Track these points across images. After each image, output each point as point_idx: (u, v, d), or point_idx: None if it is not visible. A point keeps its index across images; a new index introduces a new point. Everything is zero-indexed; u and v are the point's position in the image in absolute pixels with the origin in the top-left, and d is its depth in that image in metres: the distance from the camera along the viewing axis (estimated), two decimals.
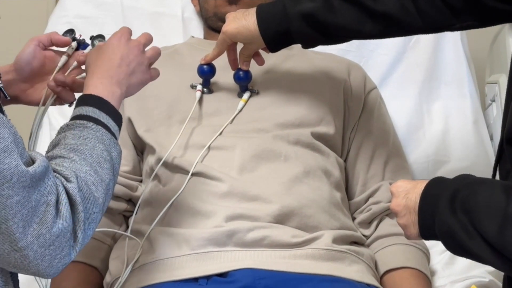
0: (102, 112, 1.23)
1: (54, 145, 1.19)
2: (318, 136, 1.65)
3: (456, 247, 1.18)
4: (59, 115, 1.95)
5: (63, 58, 1.41)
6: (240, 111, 1.65)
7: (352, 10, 1.48)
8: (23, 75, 1.39)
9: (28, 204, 1.05)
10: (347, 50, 1.91)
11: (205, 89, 1.69)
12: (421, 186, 1.21)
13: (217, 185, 1.54)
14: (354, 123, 1.74)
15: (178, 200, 1.54)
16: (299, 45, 1.59)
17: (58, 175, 1.12)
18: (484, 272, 1.64)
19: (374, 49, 1.99)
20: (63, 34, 1.42)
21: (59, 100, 1.41)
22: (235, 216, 1.51)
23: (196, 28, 2.04)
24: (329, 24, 1.50)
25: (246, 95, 1.67)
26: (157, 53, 1.39)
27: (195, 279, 1.45)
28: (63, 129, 1.21)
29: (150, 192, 1.61)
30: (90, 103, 1.23)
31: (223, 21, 1.63)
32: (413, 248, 1.61)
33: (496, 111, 1.92)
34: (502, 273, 1.34)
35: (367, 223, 1.67)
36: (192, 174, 1.56)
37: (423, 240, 1.65)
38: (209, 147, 1.60)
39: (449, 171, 1.88)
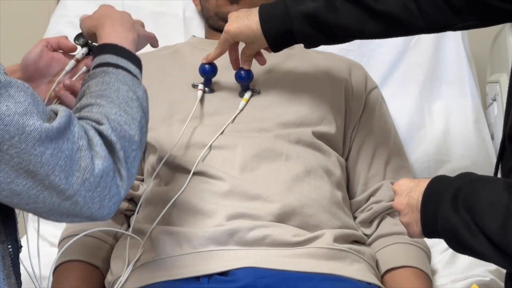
0: (119, 57, 1.26)
1: (80, 97, 1.22)
2: (320, 136, 1.65)
3: (459, 245, 1.18)
4: None
5: (71, 62, 1.41)
6: (241, 110, 1.65)
7: (354, 10, 1.48)
8: (28, 74, 1.40)
9: (61, 155, 1.07)
10: (348, 49, 1.91)
11: (206, 89, 1.69)
12: (423, 184, 1.22)
13: (218, 184, 1.54)
14: (355, 123, 1.74)
15: (180, 199, 1.54)
16: (301, 45, 1.59)
17: (88, 120, 1.15)
18: (485, 271, 1.64)
19: (375, 48, 1.99)
20: (75, 38, 1.42)
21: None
22: (236, 215, 1.51)
23: (197, 28, 2.04)
24: (330, 24, 1.50)
25: (247, 95, 1.67)
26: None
27: (197, 278, 1.45)
28: (86, 80, 1.24)
29: (151, 191, 1.61)
30: (107, 51, 1.26)
31: (224, 21, 1.63)
32: (414, 247, 1.61)
33: (497, 111, 1.92)
34: (504, 272, 1.34)
35: (368, 222, 1.67)
36: (194, 173, 1.56)
37: (424, 239, 1.66)
38: (210, 146, 1.60)
39: (450, 170, 1.88)
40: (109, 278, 1.55)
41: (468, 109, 1.96)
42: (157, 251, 1.50)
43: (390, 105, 1.85)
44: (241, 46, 1.62)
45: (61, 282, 1.56)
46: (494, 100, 1.95)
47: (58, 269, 1.58)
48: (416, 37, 1.99)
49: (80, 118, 1.15)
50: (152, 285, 1.46)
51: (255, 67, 1.66)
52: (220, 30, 1.71)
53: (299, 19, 1.51)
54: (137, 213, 1.61)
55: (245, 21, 1.56)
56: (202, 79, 1.68)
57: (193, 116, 1.62)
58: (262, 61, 1.65)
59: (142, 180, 1.70)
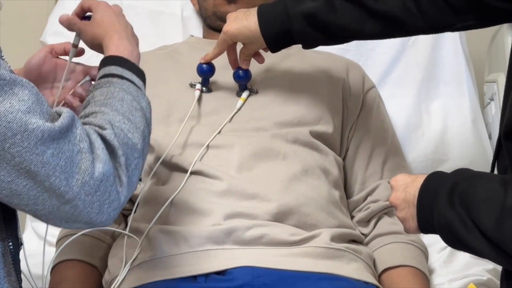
0: (124, 69, 1.26)
1: (84, 106, 1.22)
2: (317, 135, 1.66)
3: (454, 241, 1.18)
4: None
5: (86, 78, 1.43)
6: (239, 110, 1.65)
7: (354, 10, 1.49)
8: (30, 79, 1.39)
9: (62, 155, 1.07)
10: (346, 49, 1.91)
11: (204, 88, 1.69)
12: (420, 180, 1.23)
13: (215, 184, 1.54)
14: (353, 122, 1.74)
15: (177, 198, 1.55)
16: (299, 45, 1.59)
17: (92, 125, 1.15)
18: (482, 270, 1.64)
19: (373, 48, 1.99)
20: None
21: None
22: (234, 215, 1.52)
23: (196, 27, 2.04)
24: (330, 24, 1.51)
25: (245, 94, 1.67)
26: None
27: (194, 277, 1.45)
28: (91, 90, 1.24)
29: (148, 191, 1.61)
30: (112, 63, 1.27)
31: (222, 20, 1.63)
32: (412, 246, 1.62)
33: (495, 110, 1.92)
34: (500, 272, 1.34)
35: (365, 221, 1.67)
36: (191, 173, 1.56)
37: (422, 239, 1.66)
38: (207, 145, 1.60)
39: (447, 169, 1.84)
40: (106, 277, 1.56)
41: (465, 109, 1.96)
42: (155, 250, 1.50)
43: (388, 104, 1.85)
44: (239, 46, 1.63)
45: (59, 281, 1.56)
46: (492, 99, 1.95)
47: (56, 269, 1.58)
48: (414, 36, 1.99)
49: (84, 124, 1.16)
50: (150, 284, 1.46)
51: (253, 67, 1.66)
52: (218, 29, 1.71)
53: (299, 19, 1.51)
54: (135, 212, 1.61)
55: (244, 22, 1.56)
56: (200, 79, 1.68)
57: (191, 115, 1.62)
58: (261, 60, 1.65)
59: (140, 179, 1.70)
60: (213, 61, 1.66)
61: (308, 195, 1.57)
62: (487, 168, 1.40)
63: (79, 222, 1.13)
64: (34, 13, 2.35)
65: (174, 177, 1.58)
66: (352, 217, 1.69)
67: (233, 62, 1.64)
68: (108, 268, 1.56)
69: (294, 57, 1.76)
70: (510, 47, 1.82)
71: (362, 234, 1.65)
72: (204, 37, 1.90)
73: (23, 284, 1.23)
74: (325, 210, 1.58)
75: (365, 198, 1.69)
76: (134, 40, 1.36)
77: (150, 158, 1.63)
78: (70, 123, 1.10)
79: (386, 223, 1.65)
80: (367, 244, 1.64)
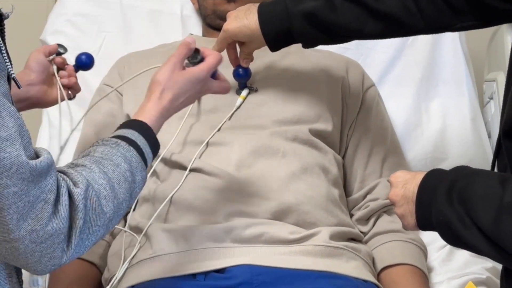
0: (141, 136, 1.26)
1: (83, 155, 1.20)
2: (316, 133, 1.66)
3: (452, 238, 1.18)
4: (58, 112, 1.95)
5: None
6: (238, 107, 1.66)
7: (354, 10, 1.49)
8: (43, 78, 1.51)
9: (25, 198, 1.04)
10: (346, 48, 1.90)
11: None
12: (419, 177, 1.23)
13: (215, 181, 1.54)
14: (352, 121, 1.74)
15: (176, 196, 1.55)
16: (299, 44, 1.59)
17: (66, 178, 1.12)
18: (481, 269, 1.64)
19: (372, 47, 1.99)
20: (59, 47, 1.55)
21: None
22: (233, 213, 1.52)
23: (195, 26, 2.04)
24: (330, 23, 1.51)
25: (244, 92, 1.67)
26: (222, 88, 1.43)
27: (193, 275, 1.45)
28: (97, 143, 1.23)
29: (148, 188, 1.61)
30: (132, 127, 1.27)
31: (222, 19, 1.63)
32: (411, 244, 1.62)
33: (494, 109, 1.92)
34: (500, 270, 1.34)
35: (364, 220, 1.67)
36: (190, 170, 1.56)
37: (421, 237, 1.66)
38: (207, 143, 1.60)
39: (447, 168, 1.87)
40: (106, 275, 1.56)
41: (465, 108, 1.96)
42: (154, 248, 1.50)
43: (387, 103, 1.85)
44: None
45: (58, 279, 1.56)
46: (491, 98, 1.95)
47: None
48: (413, 36, 1.99)
49: (63, 172, 1.13)
50: (149, 282, 1.46)
51: (253, 65, 1.66)
52: (217, 28, 1.71)
53: (299, 18, 1.51)
54: (134, 210, 1.62)
55: (244, 21, 1.55)
56: None
57: (190, 113, 1.62)
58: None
59: None
60: None
61: (308, 193, 1.57)
62: (486, 167, 1.40)
63: (16, 263, 1.10)
64: (34, 12, 2.35)
65: (173, 174, 1.58)
66: (351, 216, 1.69)
67: (233, 60, 1.64)
68: (108, 266, 1.57)
69: (294, 56, 1.76)
70: (509, 46, 1.82)
71: (361, 232, 1.65)
72: (203, 35, 1.90)
73: (23, 285, 1.23)
74: (324, 209, 1.58)
75: (365, 196, 1.69)
76: (184, 104, 1.37)
77: None
78: (45, 169, 1.06)
79: (385, 222, 1.65)
80: (366, 242, 1.64)
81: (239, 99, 1.66)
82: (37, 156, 1.08)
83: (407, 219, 1.24)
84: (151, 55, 1.77)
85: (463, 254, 1.68)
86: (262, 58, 1.68)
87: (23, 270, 1.20)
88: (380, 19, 1.48)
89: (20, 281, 1.19)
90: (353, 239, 1.60)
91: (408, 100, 1.97)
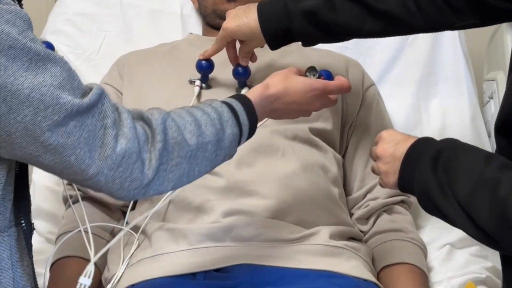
0: (238, 101, 1.29)
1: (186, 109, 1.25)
2: (316, 132, 1.66)
3: (429, 204, 1.21)
4: None
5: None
6: None
7: (353, 8, 1.49)
8: None
9: (85, 128, 1.09)
10: (345, 47, 1.91)
11: (203, 85, 1.69)
12: (411, 140, 1.26)
13: (214, 180, 1.54)
14: (352, 119, 1.74)
15: (176, 195, 1.54)
16: (298, 42, 1.59)
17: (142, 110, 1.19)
18: (481, 268, 1.64)
19: (372, 46, 1.99)
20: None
21: None
22: (233, 212, 1.52)
23: (195, 25, 2.04)
24: (330, 22, 1.51)
25: (244, 91, 1.67)
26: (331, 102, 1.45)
27: (193, 274, 1.45)
28: (206, 102, 1.27)
29: None
30: (239, 99, 1.30)
31: (222, 18, 1.63)
32: (411, 244, 1.62)
33: (494, 108, 1.92)
34: (500, 270, 1.34)
35: (364, 219, 1.67)
36: None
37: (421, 237, 1.66)
38: None
39: None
40: (106, 274, 1.56)
41: (464, 107, 1.95)
42: (154, 247, 1.50)
43: (387, 102, 1.85)
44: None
45: (58, 278, 1.56)
46: (491, 98, 1.95)
47: (55, 266, 1.58)
48: (413, 35, 1.99)
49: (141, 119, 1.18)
50: (149, 281, 1.46)
51: (252, 64, 1.66)
52: (217, 27, 1.71)
53: (299, 17, 1.52)
54: (134, 209, 1.61)
55: (243, 19, 1.56)
56: (199, 75, 1.68)
57: None
58: (254, 58, 1.65)
59: None
60: (212, 58, 1.66)
61: (307, 192, 1.57)
62: None
63: (104, 192, 1.16)
64: (34, 12, 2.34)
65: None
66: (351, 215, 1.69)
67: (233, 59, 1.64)
68: (108, 265, 1.56)
69: (293, 54, 1.76)
70: (509, 46, 1.83)
71: (361, 231, 1.65)
72: (203, 34, 1.90)
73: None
74: (324, 208, 1.58)
75: (365, 195, 1.69)
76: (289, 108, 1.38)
77: None
78: (97, 100, 1.11)
79: (385, 221, 1.65)
80: (366, 241, 1.64)
81: None
82: (90, 89, 1.13)
83: (389, 177, 1.27)
84: (151, 54, 1.77)
85: (463, 254, 1.68)
86: (262, 56, 1.68)
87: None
88: (379, 18, 1.48)
89: (32, 264, 1.21)
90: (353, 238, 1.60)
91: (407, 99, 1.96)
